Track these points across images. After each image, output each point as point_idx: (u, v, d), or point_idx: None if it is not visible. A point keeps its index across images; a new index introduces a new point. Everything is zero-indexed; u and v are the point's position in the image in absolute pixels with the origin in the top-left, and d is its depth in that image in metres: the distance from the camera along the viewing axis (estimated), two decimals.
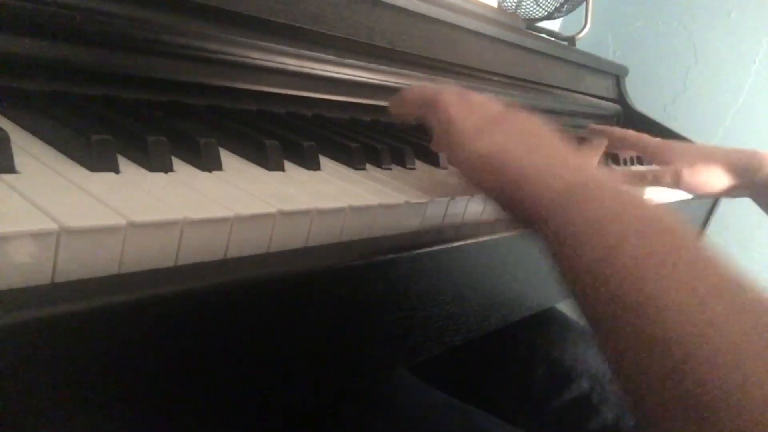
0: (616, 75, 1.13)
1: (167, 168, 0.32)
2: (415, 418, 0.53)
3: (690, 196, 0.90)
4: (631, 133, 0.77)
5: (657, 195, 0.78)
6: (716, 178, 0.69)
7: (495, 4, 0.91)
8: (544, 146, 0.38)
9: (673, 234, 0.30)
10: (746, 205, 0.83)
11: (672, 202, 0.83)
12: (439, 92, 0.42)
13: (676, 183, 0.69)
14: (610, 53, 1.50)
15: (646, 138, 0.76)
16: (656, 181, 0.69)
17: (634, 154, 0.83)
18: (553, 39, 1.04)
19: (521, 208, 0.36)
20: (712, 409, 0.23)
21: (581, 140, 0.78)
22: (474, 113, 0.40)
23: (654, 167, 0.73)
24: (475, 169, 0.38)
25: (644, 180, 0.70)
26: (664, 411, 0.25)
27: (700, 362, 0.24)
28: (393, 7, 0.63)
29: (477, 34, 0.76)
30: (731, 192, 0.71)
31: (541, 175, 0.35)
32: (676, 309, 0.26)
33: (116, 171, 0.30)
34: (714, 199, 0.98)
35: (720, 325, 0.25)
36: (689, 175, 0.69)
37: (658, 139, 0.75)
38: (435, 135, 0.42)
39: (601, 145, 0.70)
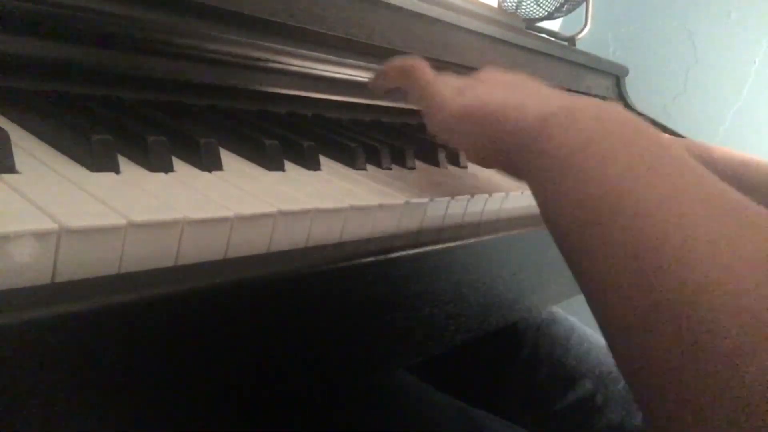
0: (616, 75, 1.13)
1: (167, 168, 0.32)
2: (417, 419, 0.53)
3: None
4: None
5: None
6: None
7: (495, 4, 0.91)
8: (527, 87, 0.38)
9: (653, 142, 0.29)
10: None
11: None
12: (417, 59, 0.44)
13: None
14: (610, 53, 1.50)
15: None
16: None
17: None
18: (553, 39, 1.04)
19: (501, 151, 0.35)
20: (692, 310, 0.22)
21: None
22: (451, 81, 0.41)
23: None
24: (455, 126, 0.38)
25: None
26: (640, 322, 0.23)
27: (677, 264, 0.23)
28: (393, 7, 0.63)
29: (477, 34, 0.76)
30: None
31: (518, 110, 0.34)
32: (652, 209, 0.25)
33: (116, 171, 0.30)
34: None
35: (699, 225, 0.23)
36: None
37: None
38: (416, 98, 0.43)
39: None
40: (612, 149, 0.28)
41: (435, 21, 0.69)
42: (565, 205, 0.29)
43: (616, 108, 0.32)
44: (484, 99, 0.37)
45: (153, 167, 0.31)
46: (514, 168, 0.36)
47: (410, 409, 0.54)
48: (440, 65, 0.72)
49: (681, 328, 0.22)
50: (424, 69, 0.43)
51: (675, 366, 0.22)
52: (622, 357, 0.25)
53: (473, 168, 0.55)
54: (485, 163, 0.39)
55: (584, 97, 0.36)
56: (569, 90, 0.99)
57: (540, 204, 0.32)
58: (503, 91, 0.38)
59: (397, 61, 0.46)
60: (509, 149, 0.35)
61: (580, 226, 0.27)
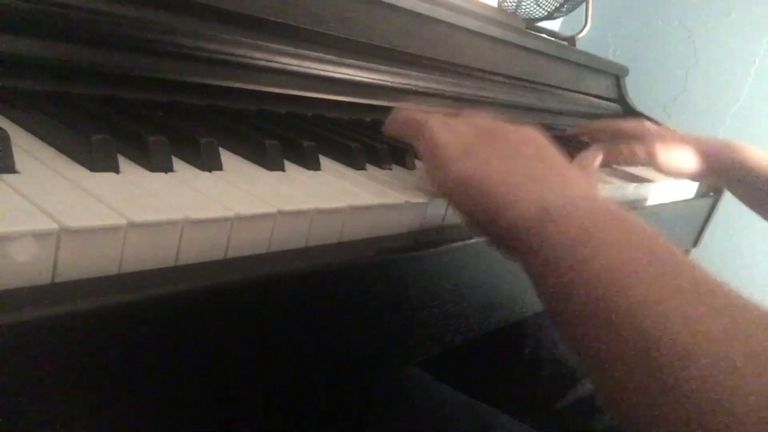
0: (616, 75, 1.13)
1: (167, 168, 0.32)
2: (426, 413, 0.53)
3: (691, 195, 0.91)
4: (606, 122, 0.79)
5: (659, 193, 0.78)
6: (689, 159, 0.70)
7: (495, 4, 0.91)
8: (526, 161, 0.37)
9: (650, 240, 0.30)
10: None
11: (673, 202, 0.83)
12: (424, 119, 0.42)
13: (651, 159, 0.70)
14: (610, 53, 1.50)
15: (621, 122, 0.78)
16: (631, 157, 0.70)
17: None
18: (553, 39, 1.04)
19: (499, 233, 0.35)
20: (691, 405, 0.23)
21: (577, 141, 0.78)
22: (458, 136, 0.40)
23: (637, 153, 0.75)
24: (455, 194, 0.37)
25: (620, 156, 0.71)
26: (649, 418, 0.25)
27: (678, 359, 0.24)
28: (393, 7, 0.63)
29: (477, 34, 0.76)
30: (704, 176, 0.72)
31: (515, 195, 0.34)
32: (651, 305, 0.26)
33: (116, 171, 0.30)
34: (714, 199, 0.98)
35: (698, 321, 0.25)
36: (663, 152, 0.70)
37: (633, 122, 0.77)
38: (421, 154, 0.42)
39: (598, 152, 0.70)
40: (611, 252, 0.29)
41: (435, 21, 0.69)
42: (567, 300, 0.29)
43: (606, 202, 0.33)
44: (484, 171, 0.36)
45: (153, 167, 0.31)
46: (509, 251, 0.36)
47: (420, 403, 0.54)
48: (440, 65, 0.72)
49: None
50: (428, 126, 0.41)
51: None
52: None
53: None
54: (484, 235, 0.39)
55: (581, 184, 0.36)
56: (569, 90, 0.99)
57: (538, 292, 0.33)
58: (503, 162, 0.37)
59: (405, 116, 0.45)
60: (504, 234, 0.34)
61: (582, 321, 0.28)
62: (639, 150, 0.70)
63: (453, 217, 0.43)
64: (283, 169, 0.38)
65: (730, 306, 0.26)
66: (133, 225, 0.24)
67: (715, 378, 0.23)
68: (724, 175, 0.71)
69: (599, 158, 0.69)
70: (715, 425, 0.23)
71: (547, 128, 0.85)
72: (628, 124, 0.76)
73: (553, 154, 0.39)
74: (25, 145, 0.30)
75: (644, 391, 0.25)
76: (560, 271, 0.30)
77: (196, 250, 0.27)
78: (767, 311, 0.26)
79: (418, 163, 0.51)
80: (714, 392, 0.23)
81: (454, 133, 0.40)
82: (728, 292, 0.27)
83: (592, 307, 0.28)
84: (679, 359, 0.24)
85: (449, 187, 0.37)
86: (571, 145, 0.72)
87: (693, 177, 0.74)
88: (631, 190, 0.72)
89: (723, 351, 0.24)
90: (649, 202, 0.76)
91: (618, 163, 0.71)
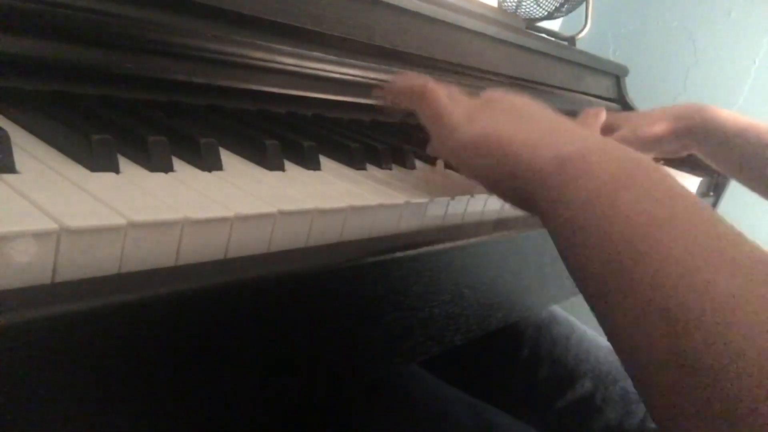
0: (616, 75, 1.13)
1: (167, 168, 0.32)
2: (428, 412, 0.53)
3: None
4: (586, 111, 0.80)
5: None
6: (658, 131, 0.72)
7: (495, 4, 0.91)
8: (536, 119, 0.37)
9: (677, 195, 0.29)
10: (747, 204, 0.83)
11: None
12: (426, 85, 0.42)
13: (624, 140, 0.71)
14: (610, 53, 1.50)
15: (598, 110, 0.79)
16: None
17: None
18: (553, 39, 1.04)
19: (515, 188, 0.35)
20: (724, 379, 0.22)
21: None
22: (461, 103, 0.40)
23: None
24: (466, 156, 0.37)
25: None
26: (668, 379, 0.24)
27: (696, 318, 0.23)
28: (393, 7, 0.63)
29: (477, 34, 0.76)
30: (681, 142, 0.73)
31: (532, 148, 0.34)
32: (673, 266, 0.25)
33: (116, 171, 0.30)
34: (714, 199, 0.98)
35: (718, 281, 0.24)
36: (634, 135, 0.71)
37: (611, 112, 0.79)
38: (426, 122, 0.42)
39: (600, 109, 0.71)
40: (633, 198, 0.28)
41: (435, 21, 0.69)
42: (587, 252, 0.29)
43: (627, 150, 0.32)
44: (495, 130, 0.36)
45: (153, 167, 0.31)
46: (527, 205, 0.35)
47: (422, 402, 0.54)
48: (440, 65, 0.72)
49: (711, 398, 0.22)
50: (435, 92, 0.41)
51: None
52: (647, 394, 0.26)
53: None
54: (498, 194, 0.38)
55: (594, 136, 0.35)
56: (569, 90, 0.99)
57: (558, 245, 0.32)
58: (513, 121, 0.37)
59: (407, 81, 0.44)
60: (522, 187, 0.34)
61: (604, 275, 0.28)
62: (614, 139, 0.71)
63: (453, 217, 0.43)
64: (283, 169, 0.38)
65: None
66: (133, 225, 0.24)
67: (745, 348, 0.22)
68: (697, 136, 0.72)
69: (602, 115, 0.69)
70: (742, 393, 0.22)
71: None
72: (609, 115, 0.77)
73: (558, 114, 0.38)
74: (25, 145, 0.30)
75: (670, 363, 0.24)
76: (580, 224, 0.29)
77: (196, 250, 0.27)
78: None
79: (418, 163, 0.51)
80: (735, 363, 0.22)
81: (456, 100, 0.40)
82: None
83: (614, 265, 0.27)
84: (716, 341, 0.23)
85: (459, 150, 0.37)
86: None
87: (671, 147, 0.74)
88: None
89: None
90: None
91: None
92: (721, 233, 0.27)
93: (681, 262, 0.25)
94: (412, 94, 0.42)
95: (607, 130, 0.73)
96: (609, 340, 0.29)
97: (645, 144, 0.72)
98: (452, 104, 0.40)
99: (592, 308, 0.30)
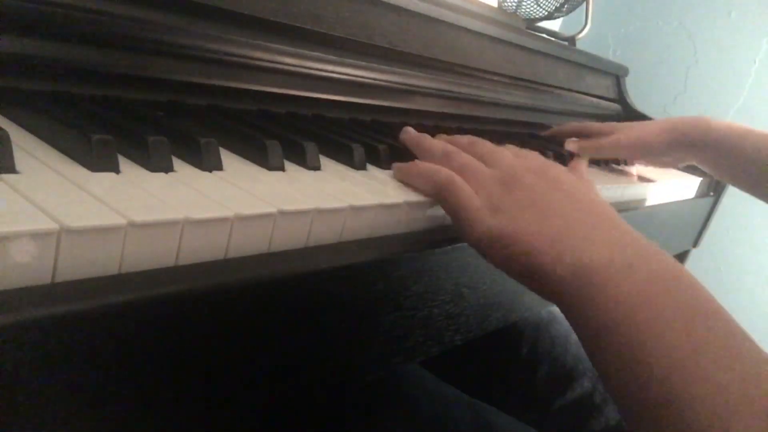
0: (616, 75, 1.13)
1: (167, 168, 0.32)
2: (428, 412, 0.53)
3: (691, 195, 0.91)
4: (574, 124, 0.81)
5: (659, 193, 0.78)
6: (654, 138, 0.72)
7: (495, 4, 0.91)
8: (562, 215, 0.35)
9: (698, 315, 0.29)
10: (748, 204, 0.83)
11: (673, 202, 0.83)
12: (450, 181, 0.38)
13: (615, 149, 0.72)
14: (610, 53, 1.50)
15: (591, 123, 0.80)
16: (598, 148, 0.72)
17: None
18: (553, 39, 1.04)
19: (539, 287, 0.34)
20: None
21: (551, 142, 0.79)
22: (482, 186, 0.38)
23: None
24: (489, 248, 0.36)
25: (587, 150, 0.72)
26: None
27: (686, 409, 0.24)
28: (393, 7, 0.63)
29: (477, 34, 0.76)
30: (677, 153, 0.73)
31: (553, 258, 0.32)
32: (668, 351, 0.26)
33: (116, 171, 0.30)
34: (714, 199, 0.98)
35: (710, 374, 0.25)
36: (626, 138, 0.71)
37: (602, 123, 0.79)
38: (448, 211, 0.39)
39: (581, 158, 0.72)
40: (667, 316, 0.28)
41: (435, 21, 0.69)
42: (620, 374, 0.29)
43: (666, 261, 0.31)
44: (515, 227, 0.34)
45: (153, 167, 0.31)
46: (548, 298, 0.34)
47: (422, 402, 0.54)
48: (440, 65, 0.72)
49: None
50: (448, 180, 0.38)
51: None
52: None
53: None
54: (520, 281, 0.37)
55: (625, 237, 0.34)
56: (570, 90, 0.99)
57: (587, 350, 0.32)
58: (536, 215, 0.35)
59: (428, 170, 0.40)
60: (543, 287, 0.33)
61: (635, 392, 0.28)
62: (604, 143, 0.71)
63: None
64: (283, 169, 0.38)
65: None
66: (133, 225, 0.24)
67: None
68: (695, 148, 0.72)
69: (584, 163, 0.70)
70: None
71: (546, 129, 0.86)
72: (598, 125, 0.77)
73: (585, 195, 0.37)
74: (25, 145, 0.30)
75: None
76: (600, 335, 0.29)
77: (196, 250, 0.27)
78: None
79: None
80: None
81: (478, 182, 0.38)
82: None
83: (627, 374, 0.27)
84: None
85: (482, 243, 0.36)
86: (549, 147, 0.73)
87: (667, 158, 0.75)
88: (631, 190, 0.72)
89: None
90: (649, 202, 0.76)
91: (585, 157, 0.73)
92: (759, 370, 0.26)
93: (712, 405, 0.25)
94: (428, 183, 0.40)
95: (603, 136, 0.73)
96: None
97: (640, 152, 0.73)
98: (473, 186, 0.38)
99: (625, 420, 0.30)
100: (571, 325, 0.33)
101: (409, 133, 0.48)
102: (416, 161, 0.43)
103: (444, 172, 0.39)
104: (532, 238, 0.33)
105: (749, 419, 0.24)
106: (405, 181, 0.42)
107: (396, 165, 0.43)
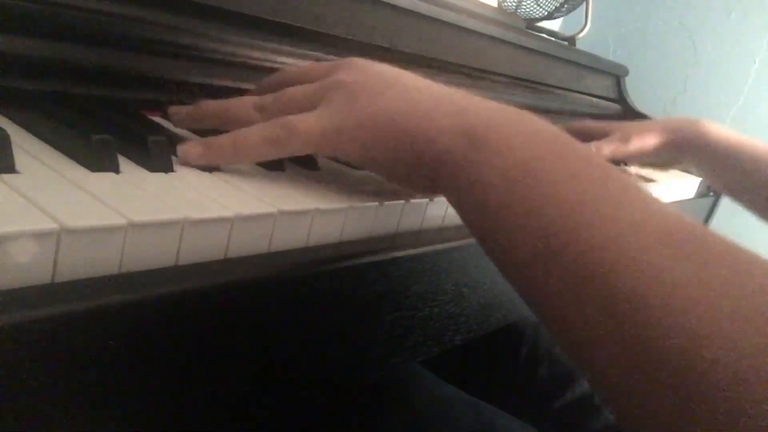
0: (616, 75, 1.13)
1: (167, 168, 0.32)
2: (429, 411, 0.53)
3: (691, 195, 0.91)
4: (574, 124, 0.80)
5: (659, 193, 0.78)
6: (651, 141, 0.71)
7: (495, 4, 0.91)
8: (418, 89, 0.33)
9: (595, 170, 0.27)
10: None
11: (673, 202, 0.83)
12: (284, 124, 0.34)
13: (615, 150, 0.71)
14: (610, 53, 1.50)
15: (588, 123, 0.79)
16: (597, 151, 0.72)
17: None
18: (553, 39, 1.04)
19: (418, 172, 0.32)
20: (654, 350, 0.21)
21: None
22: (309, 102, 0.35)
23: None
24: (351, 150, 0.33)
25: None
26: (624, 380, 0.23)
27: (644, 307, 0.22)
28: (393, 7, 0.63)
29: (477, 33, 0.76)
30: (671, 155, 0.73)
31: (430, 122, 0.31)
32: (613, 252, 0.24)
33: (116, 171, 0.30)
34: (714, 199, 0.98)
35: (664, 265, 0.23)
36: (624, 139, 0.71)
37: (600, 122, 0.79)
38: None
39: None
40: (559, 175, 0.27)
41: (435, 20, 0.69)
42: (512, 236, 0.27)
43: (541, 121, 0.30)
44: (383, 111, 0.32)
45: (153, 167, 0.31)
46: (433, 189, 0.33)
47: (423, 400, 0.54)
48: (440, 65, 0.72)
49: (673, 384, 0.21)
50: (295, 120, 0.34)
51: (667, 417, 0.21)
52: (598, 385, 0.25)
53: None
54: (397, 181, 0.35)
55: (495, 104, 0.32)
56: (570, 90, 0.99)
57: (474, 230, 0.30)
58: (396, 96, 0.33)
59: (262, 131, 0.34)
60: (427, 167, 0.31)
61: (532, 259, 0.26)
62: (602, 144, 0.71)
63: (453, 217, 0.43)
64: (283, 169, 0.38)
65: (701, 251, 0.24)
66: (133, 225, 0.24)
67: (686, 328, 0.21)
68: (689, 150, 0.71)
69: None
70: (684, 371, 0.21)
71: None
72: (595, 124, 0.77)
73: (420, 79, 0.35)
74: (25, 145, 0.30)
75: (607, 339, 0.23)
76: (500, 205, 0.27)
77: (196, 250, 0.27)
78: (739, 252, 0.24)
79: None
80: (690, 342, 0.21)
81: (310, 102, 0.34)
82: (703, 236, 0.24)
83: (541, 249, 0.25)
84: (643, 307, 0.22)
85: (344, 145, 0.33)
86: None
87: (664, 160, 0.74)
88: None
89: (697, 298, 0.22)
90: None
91: None
92: (655, 210, 0.25)
93: (617, 240, 0.24)
94: (272, 138, 0.34)
95: (599, 135, 0.73)
96: (550, 330, 0.27)
97: (635, 153, 0.72)
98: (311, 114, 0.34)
99: (523, 297, 0.28)
100: (460, 203, 0.30)
101: (205, 105, 0.39)
102: (228, 133, 0.35)
103: (277, 121, 0.34)
104: (405, 119, 0.32)
105: (644, 236, 0.24)
106: (224, 161, 0.35)
107: (189, 147, 0.34)
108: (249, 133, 0.34)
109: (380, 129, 0.32)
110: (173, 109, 0.39)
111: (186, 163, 0.33)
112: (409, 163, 0.32)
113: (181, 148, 0.33)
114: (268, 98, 0.37)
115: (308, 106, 0.34)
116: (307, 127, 0.33)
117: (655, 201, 0.26)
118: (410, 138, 0.31)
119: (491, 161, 0.28)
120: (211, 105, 0.38)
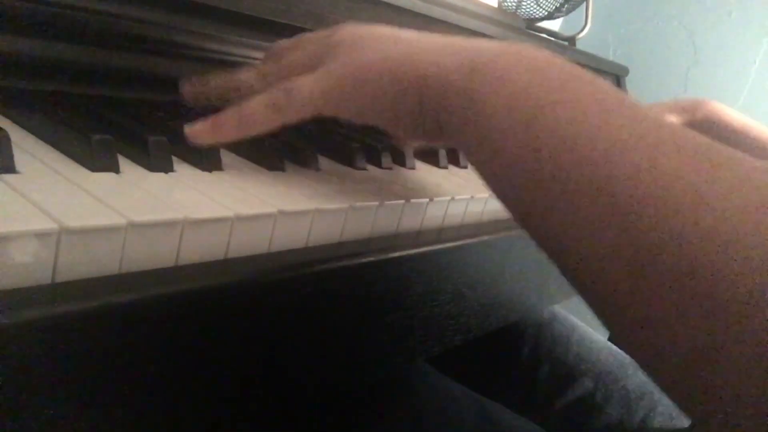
0: (616, 75, 1.13)
1: (167, 168, 0.32)
2: (434, 408, 0.54)
3: None
4: None
5: None
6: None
7: (495, 4, 0.91)
8: (420, 38, 0.33)
9: (595, 89, 0.27)
10: None
11: None
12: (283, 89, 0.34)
13: None
14: (610, 53, 1.50)
15: None
16: None
17: None
18: (553, 39, 1.04)
19: (419, 111, 0.31)
20: (695, 260, 0.20)
21: None
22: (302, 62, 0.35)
23: None
24: (348, 100, 0.33)
25: None
26: (632, 283, 0.22)
27: (663, 214, 0.21)
28: (393, 7, 0.63)
29: (477, 34, 0.76)
30: None
31: (436, 60, 0.30)
32: (622, 155, 0.23)
33: (116, 171, 0.30)
34: None
35: (669, 167, 0.22)
36: None
37: None
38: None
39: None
40: (558, 99, 0.26)
41: (435, 21, 0.69)
42: (515, 165, 0.26)
43: (540, 50, 0.30)
44: (381, 57, 0.31)
45: (153, 167, 0.31)
46: (433, 133, 0.31)
47: (428, 398, 0.54)
48: None
49: (682, 282, 0.20)
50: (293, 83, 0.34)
51: (681, 320, 0.20)
52: (619, 325, 0.24)
53: (473, 168, 0.55)
54: (398, 130, 0.34)
55: (480, 41, 0.31)
56: None
57: (481, 168, 0.29)
58: (400, 43, 0.32)
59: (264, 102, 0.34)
60: (426, 107, 0.30)
61: (544, 182, 0.25)
62: None
63: (453, 217, 0.43)
64: (283, 169, 0.38)
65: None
66: (133, 225, 0.24)
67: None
68: (699, 130, 0.71)
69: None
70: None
71: None
72: None
73: (415, 32, 0.34)
74: (25, 145, 0.30)
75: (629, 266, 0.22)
76: (492, 134, 0.27)
77: (196, 250, 0.27)
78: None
79: (418, 163, 0.51)
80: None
81: (303, 65, 0.34)
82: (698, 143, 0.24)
83: (546, 172, 0.25)
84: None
85: (349, 105, 0.33)
86: None
87: None
88: None
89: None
90: None
91: None
92: (653, 120, 0.25)
93: (620, 148, 0.23)
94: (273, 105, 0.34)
95: None
96: (551, 257, 0.26)
97: None
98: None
99: (524, 224, 0.27)
100: (464, 140, 0.29)
101: (216, 77, 0.39)
102: (231, 107, 0.35)
103: (274, 90, 0.34)
104: (405, 61, 0.31)
105: (645, 145, 0.23)
106: (231, 134, 0.34)
107: (196, 125, 0.34)
108: (252, 103, 0.34)
109: (381, 77, 0.32)
110: (184, 82, 0.40)
111: (195, 142, 0.33)
112: (413, 110, 0.31)
113: (188, 128, 0.33)
114: (269, 66, 0.37)
115: (308, 69, 0.34)
116: (308, 87, 0.33)
117: (657, 116, 0.26)
118: (411, 81, 0.31)
119: (489, 87, 0.28)
120: (216, 77, 0.39)
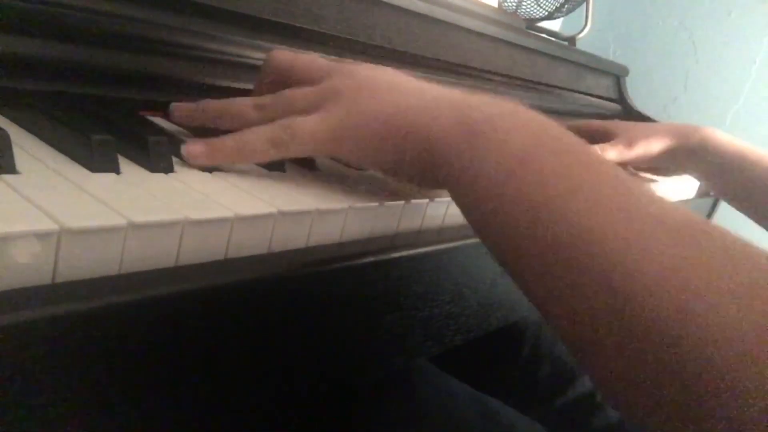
0: (617, 75, 1.13)
1: (168, 168, 0.32)
2: (435, 405, 0.54)
3: (690, 196, 0.91)
4: (577, 122, 0.80)
5: (659, 193, 0.78)
6: (655, 146, 0.71)
7: (495, 4, 0.91)
8: (412, 90, 0.34)
9: (590, 162, 0.28)
10: None
11: (674, 202, 0.83)
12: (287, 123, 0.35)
13: (619, 155, 0.70)
14: (610, 53, 1.50)
15: (591, 122, 0.79)
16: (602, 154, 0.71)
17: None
18: (553, 39, 1.04)
19: (420, 168, 0.32)
20: (656, 338, 0.22)
21: None
22: (317, 106, 0.35)
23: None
24: (353, 149, 0.34)
25: None
26: (611, 350, 0.23)
27: (641, 289, 0.22)
28: (393, 7, 0.63)
29: (477, 34, 0.76)
30: (676, 161, 0.73)
31: (431, 119, 0.31)
32: (609, 236, 0.24)
33: (117, 171, 0.30)
34: (715, 199, 0.98)
35: (659, 248, 0.23)
36: (629, 143, 0.70)
37: (604, 121, 0.78)
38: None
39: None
40: (555, 164, 0.27)
41: (435, 21, 0.69)
42: (512, 223, 0.28)
43: (536, 114, 0.31)
44: (377, 114, 0.33)
45: (153, 167, 0.31)
46: (433, 183, 0.33)
47: (429, 395, 0.54)
48: (440, 65, 0.72)
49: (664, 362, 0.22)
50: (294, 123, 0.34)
51: (667, 395, 0.22)
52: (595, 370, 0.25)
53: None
54: (397, 177, 0.36)
55: (488, 98, 0.33)
56: (570, 90, 0.99)
57: (474, 221, 0.30)
58: (393, 99, 0.34)
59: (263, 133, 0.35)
60: (427, 162, 0.32)
61: (535, 249, 0.27)
62: (606, 148, 0.71)
63: (453, 217, 0.43)
64: (283, 170, 0.38)
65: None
66: (133, 225, 0.24)
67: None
68: (694, 156, 0.71)
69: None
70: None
71: None
72: (600, 123, 0.77)
73: (414, 80, 0.36)
74: (25, 145, 0.30)
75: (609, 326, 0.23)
76: (486, 198, 0.28)
77: (196, 250, 0.27)
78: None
79: None
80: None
81: (309, 103, 0.35)
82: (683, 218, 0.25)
83: (542, 238, 0.26)
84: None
85: (350, 149, 0.34)
86: None
87: (666, 167, 0.74)
88: None
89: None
90: None
91: None
92: (648, 197, 0.26)
93: (611, 224, 0.24)
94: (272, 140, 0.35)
95: (605, 136, 0.73)
96: (541, 310, 0.28)
97: (640, 158, 0.72)
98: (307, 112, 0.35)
99: (518, 282, 0.29)
100: (460, 195, 0.31)
101: (206, 103, 0.39)
102: (231, 134, 0.35)
103: (278, 123, 0.35)
104: (402, 119, 0.32)
105: (638, 222, 0.24)
106: (227, 161, 0.35)
107: (194, 147, 0.34)
108: (252, 135, 0.35)
109: (380, 128, 0.33)
110: (174, 105, 0.40)
111: (190, 163, 0.34)
112: (411, 161, 0.33)
113: (185, 148, 0.34)
114: (267, 99, 0.37)
115: (307, 109, 0.35)
116: (310, 129, 0.34)
117: (650, 190, 0.27)
118: (409, 134, 0.32)
119: (488, 152, 0.29)
120: (211, 104, 0.39)
